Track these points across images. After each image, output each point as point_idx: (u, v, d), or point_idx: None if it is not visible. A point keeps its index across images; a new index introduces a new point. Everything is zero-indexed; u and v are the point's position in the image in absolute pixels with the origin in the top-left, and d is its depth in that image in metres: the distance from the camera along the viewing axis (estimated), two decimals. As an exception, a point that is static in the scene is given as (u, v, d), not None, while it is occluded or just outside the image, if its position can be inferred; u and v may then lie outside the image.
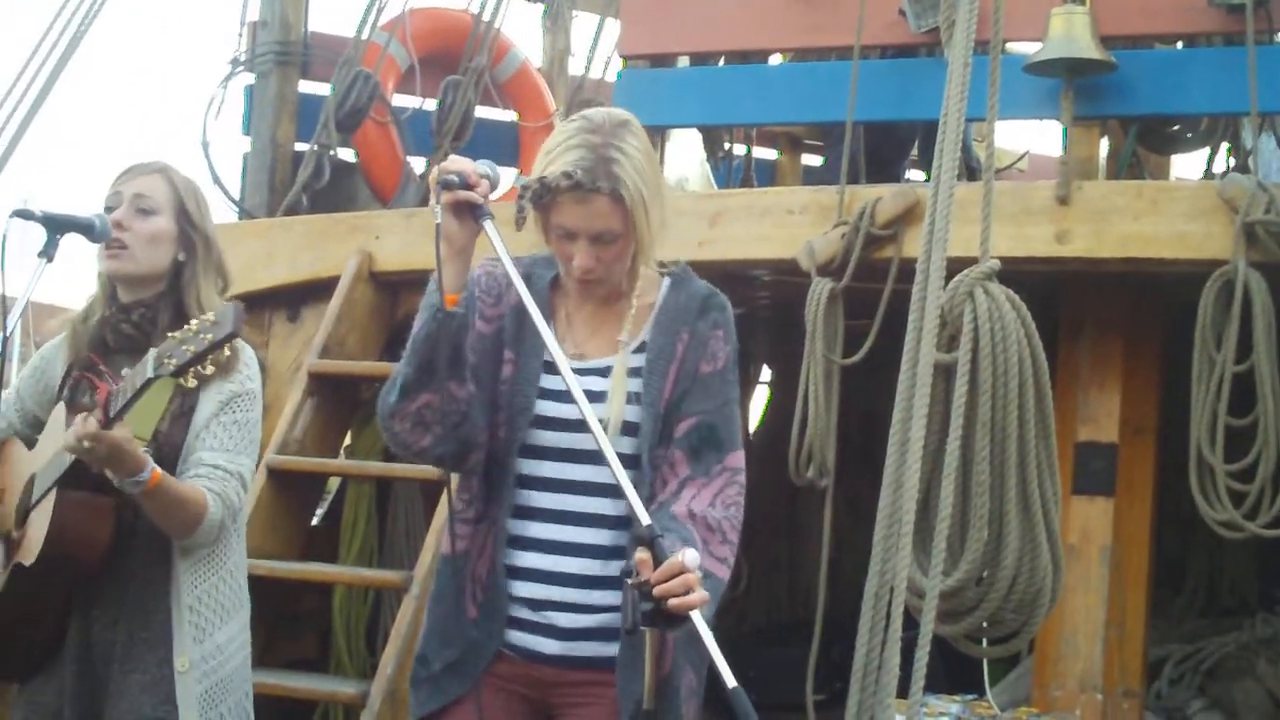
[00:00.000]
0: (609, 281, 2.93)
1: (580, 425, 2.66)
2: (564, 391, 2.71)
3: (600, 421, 2.73)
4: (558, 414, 2.87)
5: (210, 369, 2.94)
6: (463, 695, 2.90)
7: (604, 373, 2.90)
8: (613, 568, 2.80)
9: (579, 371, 2.86)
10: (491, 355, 2.93)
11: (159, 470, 3.08)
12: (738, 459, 2.89)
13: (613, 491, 2.64)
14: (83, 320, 3.38)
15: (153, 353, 2.94)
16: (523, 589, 2.89)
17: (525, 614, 2.89)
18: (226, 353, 2.95)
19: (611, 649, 2.83)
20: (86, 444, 2.97)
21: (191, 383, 2.94)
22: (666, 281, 2.99)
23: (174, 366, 2.90)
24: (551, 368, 2.86)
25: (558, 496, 2.89)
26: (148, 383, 2.93)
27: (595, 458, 2.65)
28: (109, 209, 3.32)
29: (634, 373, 2.89)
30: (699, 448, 2.85)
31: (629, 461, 2.81)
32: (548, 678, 2.90)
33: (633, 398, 2.87)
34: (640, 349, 2.92)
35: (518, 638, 2.89)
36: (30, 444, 3.41)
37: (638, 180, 2.80)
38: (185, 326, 2.96)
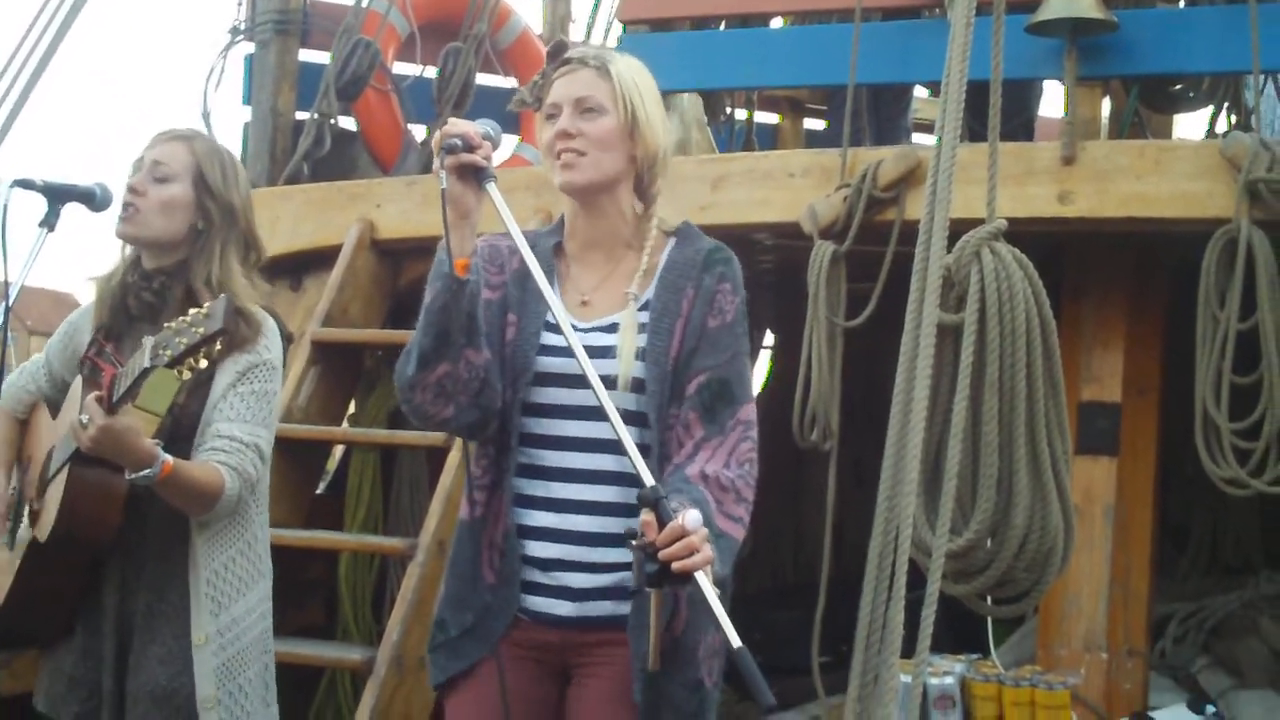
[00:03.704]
0: (594, 172, 2.90)
1: (581, 381, 2.65)
2: (565, 348, 2.71)
3: (610, 377, 2.78)
4: (558, 369, 2.86)
5: (203, 363, 2.90)
6: (480, 660, 2.91)
7: (609, 329, 2.90)
8: (623, 524, 2.77)
9: (586, 329, 2.87)
10: (498, 321, 2.94)
11: (170, 461, 3.04)
12: (749, 411, 2.88)
13: (617, 448, 2.63)
14: (107, 282, 3.35)
15: (149, 341, 2.90)
16: (535, 548, 2.89)
17: (538, 576, 2.89)
18: (218, 347, 2.90)
19: (627, 607, 2.83)
20: (88, 434, 2.95)
21: (187, 374, 2.90)
22: (672, 240, 2.99)
23: (168, 358, 2.87)
24: (553, 326, 2.86)
25: (563, 454, 2.88)
26: (145, 372, 2.89)
27: (597, 414, 2.64)
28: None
29: (640, 329, 2.89)
30: (711, 404, 2.84)
31: (636, 419, 2.82)
32: (563, 640, 2.89)
33: (639, 353, 2.86)
34: (645, 307, 2.91)
35: (533, 602, 2.89)
36: (56, 410, 3.39)
37: (628, 71, 2.94)
38: (181, 318, 2.91)
